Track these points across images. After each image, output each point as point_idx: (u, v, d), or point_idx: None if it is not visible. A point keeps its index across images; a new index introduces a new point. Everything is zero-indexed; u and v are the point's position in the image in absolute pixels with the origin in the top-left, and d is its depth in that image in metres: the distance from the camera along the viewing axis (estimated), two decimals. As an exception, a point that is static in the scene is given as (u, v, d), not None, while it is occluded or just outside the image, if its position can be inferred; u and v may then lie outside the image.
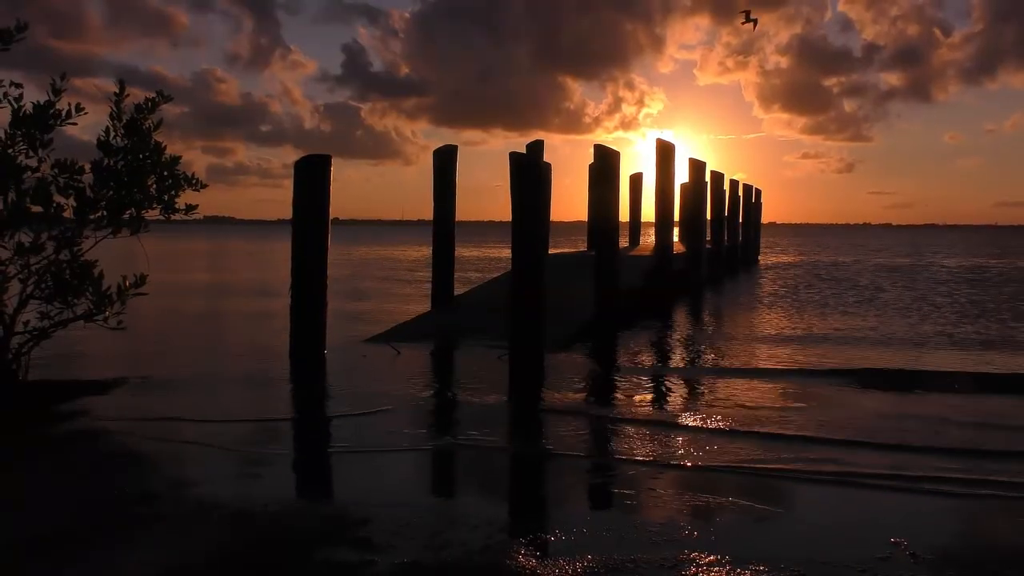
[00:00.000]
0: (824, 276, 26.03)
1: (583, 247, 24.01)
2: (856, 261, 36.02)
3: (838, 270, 29.24)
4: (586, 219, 21.14)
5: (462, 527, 4.39)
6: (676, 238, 19.16)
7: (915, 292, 20.02)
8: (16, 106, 7.49)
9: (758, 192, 33.47)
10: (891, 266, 32.14)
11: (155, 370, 8.90)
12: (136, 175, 7.99)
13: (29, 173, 7.60)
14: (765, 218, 38.03)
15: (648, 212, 22.13)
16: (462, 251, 18.21)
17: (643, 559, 3.96)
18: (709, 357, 10.57)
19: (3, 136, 7.48)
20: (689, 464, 5.63)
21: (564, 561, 3.92)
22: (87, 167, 7.87)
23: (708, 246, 21.48)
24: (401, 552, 4.00)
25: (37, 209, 7.59)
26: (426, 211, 13.96)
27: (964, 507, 4.89)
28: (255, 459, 5.75)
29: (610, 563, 3.90)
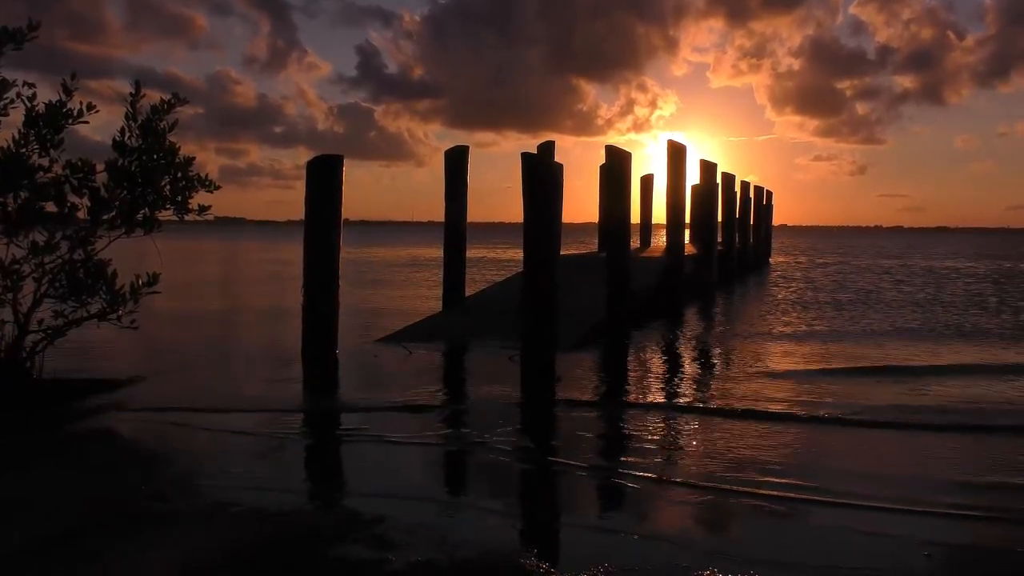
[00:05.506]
0: (834, 279, 25.91)
1: (594, 248, 23.97)
2: (867, 264, 35.88)
3: (849, 274, 29.12)
4: (597, 220, 21.13)
5: (476, 526, 4.38)
6: (687, 240, 19.09)
7: (923, 292, 19.93)
8: (29, 106, 7.52)
9: (769, 194, 33.37)
10: (901, 269, 32.01)
11: (167, 369, 8.92)
12: (150, 176, 8.01)
13: (41, 173, 7.62)
14: (776, 220, 37.97)
15: (659, 214, 22.09)
16: (473, 252, 18.20)
17: (654, 560, 3.95)
18: (719, 358, 10.53)
19: (16, 136, 7.50)
20: (699, 461, 5.61)
21: (577, 562, 3.90)
22: (99, 167, 7.89)
23: (719, 248, 21.40)
24: (416, 551, 4.00)
25: (52, 209, 7.62)
26: (437, 212, 13.95)
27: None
28: (269, 457, 5.76)
29: (625, 565, 3.88)
